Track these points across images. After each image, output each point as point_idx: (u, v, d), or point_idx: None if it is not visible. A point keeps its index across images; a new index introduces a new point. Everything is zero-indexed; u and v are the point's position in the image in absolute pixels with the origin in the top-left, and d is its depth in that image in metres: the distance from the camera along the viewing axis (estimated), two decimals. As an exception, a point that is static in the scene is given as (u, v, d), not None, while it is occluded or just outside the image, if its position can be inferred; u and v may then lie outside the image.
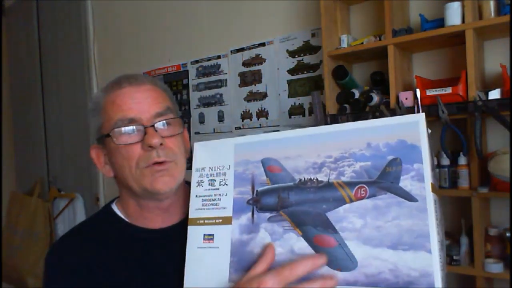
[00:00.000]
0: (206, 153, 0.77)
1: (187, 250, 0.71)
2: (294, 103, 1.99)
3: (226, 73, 2.25)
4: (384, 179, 0.60)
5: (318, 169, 0.65)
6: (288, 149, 0.68)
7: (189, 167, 0.78)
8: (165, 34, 2.54)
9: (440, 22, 1.45)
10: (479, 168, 1.38)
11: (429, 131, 0.61)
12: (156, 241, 0.81)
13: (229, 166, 0.72)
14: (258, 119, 2.12)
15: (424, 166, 0.58)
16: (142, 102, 0.76)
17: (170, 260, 0.77)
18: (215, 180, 0.73)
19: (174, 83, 2.50)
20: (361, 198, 0.61)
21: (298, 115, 1.98)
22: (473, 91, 1.36)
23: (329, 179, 0.63)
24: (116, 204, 0.86)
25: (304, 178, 0.65)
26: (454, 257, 1.43)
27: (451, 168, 1.45)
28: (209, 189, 0.73)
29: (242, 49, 2.17)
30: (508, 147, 1.31)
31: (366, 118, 1.53)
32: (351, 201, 0.61)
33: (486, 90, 1.38)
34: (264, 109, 2.10)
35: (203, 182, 0.74)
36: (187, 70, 2.43)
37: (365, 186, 0.61)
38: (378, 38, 1.59)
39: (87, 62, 2.96)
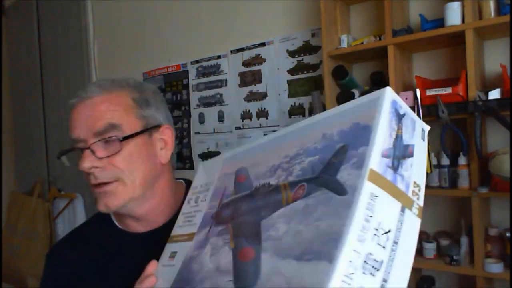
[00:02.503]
0: (203, 172, 0.73)
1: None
2: (294, 103, 1.99)
3: (226, 73, 2.25)
4: (326, 173, 0.51)
5: (273, 172, 0.58)
6: (257, 156, 0.63)
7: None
8: (165, 34, 2.54)
9: (440, 22, 1.45)
10: (479, 168, 1.38)
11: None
12: (137, 243, 0.82)
13: (213, 181, 0.69)
14: (258, 119, 2.12)
15: (369, 148, 0.46)
16: (84, 120, 0.73)
17: (143, 264, 0.76)
18: (199, 197, 0.70)
19: (174, 83, 2.50)
20: (297, 199, 0.51)
21: (298, 115, 1.98)
22: (473, 91, 1.36)
23: (278, 181, 0.56)
24: None
25: (259, 185, 0.59)
26: (454, 257, 1.43)
27: (451, 168, 1.45)
28: (193, 206, 0.70)
29: (242, 49, 2.17)
30: (508, 147, 1.31)
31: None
32: (287, 203, 0.52)
33: (486, 90, 1.38)
34: (264, 109, 2.10)
35: (191, 200, 0.71)
36: (187, 70, 2.43)
37: (305, 184, 0.52)
38: (378, 38, 1.59)
39: (87, 62, 2.96)
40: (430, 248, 1.49)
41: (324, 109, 1.70)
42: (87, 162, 0.71)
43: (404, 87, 1.57)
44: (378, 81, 1.64)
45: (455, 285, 1.59)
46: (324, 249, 0.42)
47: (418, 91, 1.44)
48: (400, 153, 0.49)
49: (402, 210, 0.47)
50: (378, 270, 0.42)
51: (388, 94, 0.50)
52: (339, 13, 1.73)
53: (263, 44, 2.09)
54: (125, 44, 2.80)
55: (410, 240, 0.47)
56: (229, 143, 2.26)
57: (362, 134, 0.49)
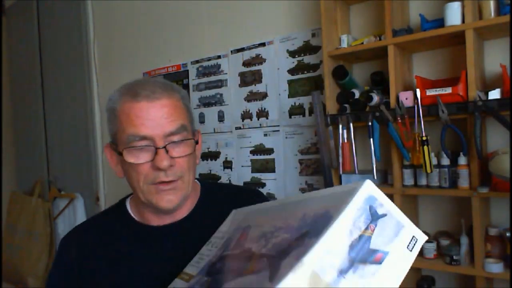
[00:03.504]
0: (231, 219, 0.78)
1: None
2: (294, 103, 1.99)
3: (226, 73, 2.25)
4: (280, 254, 0.50)
5: (259, 239, 0.59)
6: (262, 218, 0.66)
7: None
8: (165, 34, 2.54)
9: (440, 22, 1.45)
10: (479, 168, 1.38)
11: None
12: (152, 237, 0.85)
13: (229, 231, 0.73)
14: (258, 119, 2.13)
15: (315, 241, 0.43)
16: (156, 120, 0.76)
17: (160, 256, 0.83)
18: (215, 243, 0.74)
19: (174, 83, 2.50)
20: (253, 272, 0.51)
21: (298, 115, 1.98)
22: (473, 91, 1.36)
23: (256, 250, 0.57)
24: (130, 199, 0.92)
25: (246, 248, 0.61)
26: (454, 257, 1.43)
27: (451, 168, 1.45)
28: (208, 250, 0.74)
29: (242, 49, 2.17)
30: (508, 147, 1.31)
31: (366, 118, 1.54)
32: (245, 274, 0.53)
33: (486, 90, 1.38)
34: (264, 109, 2.10)
35: (210, 243, 0.75)
36: (187, 70, 2.43)
37: (263, 260, 0.52)
38: (378, 38, 1.59)
39: (87, 62, 2.96)
40: (430, 248, 1.50)
41: (324, 109, 1.70)
42: (166, 161, 0.75)
43: (404, 87, 1.58)
44: (378, 81, 1.64)
45: (455, 285, 1.59)
46: None
47: (418, 91, 1.44)
48: (358, 256, 0.43)
49: None
50: None
51: (365, 188, 0.45)
52: (339, 13, 1.74)
53: (263, 44, 2.09)
54: (125, 44, 2.80)
55: None
56: (229, 143, 2.26)
57: (322, 224, 0.45)
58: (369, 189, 0.46)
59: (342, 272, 0.42)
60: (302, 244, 0.46)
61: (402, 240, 0.46)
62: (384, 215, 0.46)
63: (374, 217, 0.45)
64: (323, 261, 0.42)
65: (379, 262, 0.44)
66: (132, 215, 0.88)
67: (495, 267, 1.34)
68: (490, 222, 1.49)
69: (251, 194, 0.99)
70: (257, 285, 0.47)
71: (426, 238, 0.48)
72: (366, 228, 0.44)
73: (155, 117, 0.76)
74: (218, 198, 0.92)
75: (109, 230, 0.87)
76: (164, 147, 0.75)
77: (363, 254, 0.43)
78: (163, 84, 0.82)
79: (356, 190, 0.46)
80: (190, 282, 0.67)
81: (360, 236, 0.44)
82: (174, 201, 0.79)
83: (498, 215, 1.48)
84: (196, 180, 0.93)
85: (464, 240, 1.42)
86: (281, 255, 0.49)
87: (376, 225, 0.45)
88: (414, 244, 0.47)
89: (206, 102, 2.35)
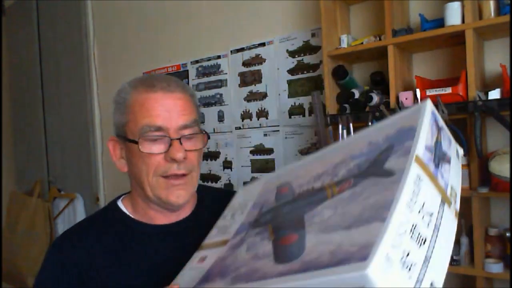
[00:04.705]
0: (242, 193, 0.80)
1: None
2: (294, 103, 1.99)
3: (226, 73, 2.25)
4: (373, 166, 0.54)
5: (317, 179, 0.62)
6: (299, 171, 0.69)
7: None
8: (165, 34, 2.54)
9: (440, 22, 1.45)
10: (479, 168, 1.38)
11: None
12: (157, 236, 0.83)
13: (253, 198, 0.74)
14: (258, 119, 2.12)
15: (414, 140, 0.50)
16: (171, 111, 0.76)
17: (169, 255, 0.81)
18: (236, 213, 0.74)
19: (174, 83, 2.50)
20: (343, 191, 0.54)
21: (298, 115, 1.98)
22: (473, 91, 1.36)
23: (322, 183, 0.60)
24: (122, 200, 0.88)
25: (302, 190, 0.63)
26: (454, 257, 1.43)
27: (451, 168, 1.45)
28: (228, 220, 0.74)
29: (242, 49, 2.17)
30: (508, 147, 1.31)
31: (366, 118, 1.54)
32: (333, 196, 0.55)
33: (486, 90, 1.38)
34: (264, 109, 2.10)
35: (227, 215, 0.76)
36: (187, 70, 2.43)
37: (351, 179, 0.55)
38: (378, 38, 1.59)
39: (87, 62, 2.96)
40: (430, 248, 1.49)
41: (324, 109, 1.70)
42: (181, 153, 0.74)
43: (404, 87, 1.57)
44: (378, 81, 1.64)
45: (455, 285, 1.59)
46: (375, 215, 0.44)
47: (418, 91, 1.44)
48: (440, 154, 0.52)
49: (442, 203, 0.49)
50: (423, 244, 0.43)
51: (429, 104, 0.55)
52: (339, 13, 1.73)
53: (263, 44, 2.09)
54: (125, 44, 2.80)
55: (448, 236, 0.48)
56: (229, 143, 2.26)
57: (407, 133, 0.53)
58: (431, 106, 0.55)
59: (436, 166, 0.51)
60: (392, 153, 0.52)
61: (453, 149, 0.58)
62: (442, 128, 0.56)
63: (438, 127, 0.55)
64: (425, 154, 0.49)
65: (449, 162, 0.55)
66: (131, 215, 0.85)
67: (495, 267, 1.34)
68: (490, 222, 1.49)
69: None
70: (372, 186, 0.49)
71: (463, 152, 0.60)
72: (438, 135, 0.54)
73: (170, 108, 0.76)
74: (212, 198, 0.92)
75: (108, 231, 0.83)
76: (179, 138, 0.75)
77: (441, 154, 0.53)
78: (177, 79, 0.83)
79: (424, 106, 0.54)
80: (230, 243, 0.65)
81: (437, 140, 0.53)
82: (184, 196, 0.78)
83: (498, 215, 1.48)
84: None
85: (464, 240, 1.42)
86: (370, 169, 0.53)
87: (440, 134, 0.55)
88: (458, 155, 0.59)
89: (206, 102, 2.35)
